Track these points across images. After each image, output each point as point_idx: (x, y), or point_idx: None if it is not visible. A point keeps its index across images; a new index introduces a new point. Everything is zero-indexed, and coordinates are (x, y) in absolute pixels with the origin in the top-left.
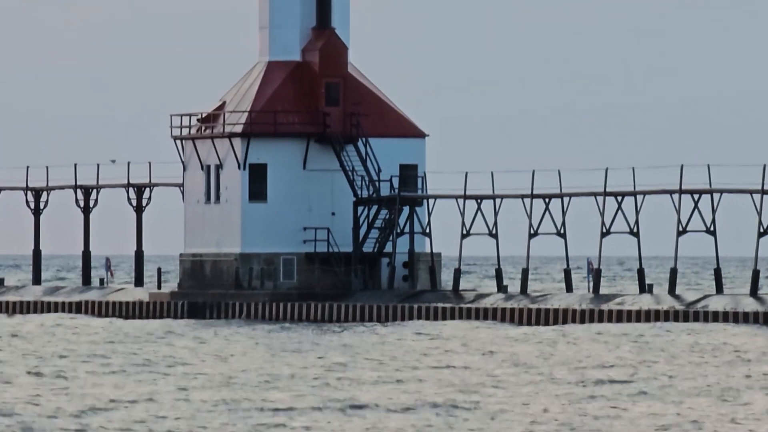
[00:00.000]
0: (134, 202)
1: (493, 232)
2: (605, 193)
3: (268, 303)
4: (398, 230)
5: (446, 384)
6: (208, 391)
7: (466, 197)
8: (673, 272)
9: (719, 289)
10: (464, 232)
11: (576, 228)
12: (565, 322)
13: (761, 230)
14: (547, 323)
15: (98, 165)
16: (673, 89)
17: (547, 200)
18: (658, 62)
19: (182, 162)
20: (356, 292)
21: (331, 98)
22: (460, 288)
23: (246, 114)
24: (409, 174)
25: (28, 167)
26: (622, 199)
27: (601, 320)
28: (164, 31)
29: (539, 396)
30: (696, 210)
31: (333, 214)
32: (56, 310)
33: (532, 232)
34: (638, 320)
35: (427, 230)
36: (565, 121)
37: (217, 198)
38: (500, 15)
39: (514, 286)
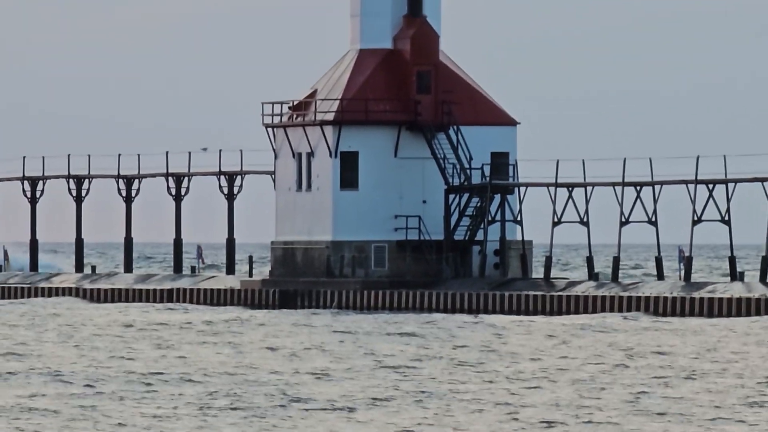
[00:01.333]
0: (226, 190)
1: (585, 219)
2: (696, 181)
3: (359, 291)
4: (489, 218)
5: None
6: None
7: (557, 185)
8: (765, 260)
9: None
10: (555, 220)
11: (667, 216)
12: (656, 310)
13: None
14: (638, 311)
15: (190, 153)
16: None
17: (638, 188)
18: (757, 45)
19: (274, 150)
20: (447, 280)
21: (422, 86)
22: (552, 276)
23: (337, 102)
24: (500, 162)
25: (119, 155)
26: (713, 187)
27: (692, 308)
28: (257, 19)
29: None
30: None
31: (424, 202)
32: (148, 299)
33: (623, 219)
34: (729, 308)
35: (519, 218)
36: (657, 108)
37: (309, 186)
38: (592, 2)
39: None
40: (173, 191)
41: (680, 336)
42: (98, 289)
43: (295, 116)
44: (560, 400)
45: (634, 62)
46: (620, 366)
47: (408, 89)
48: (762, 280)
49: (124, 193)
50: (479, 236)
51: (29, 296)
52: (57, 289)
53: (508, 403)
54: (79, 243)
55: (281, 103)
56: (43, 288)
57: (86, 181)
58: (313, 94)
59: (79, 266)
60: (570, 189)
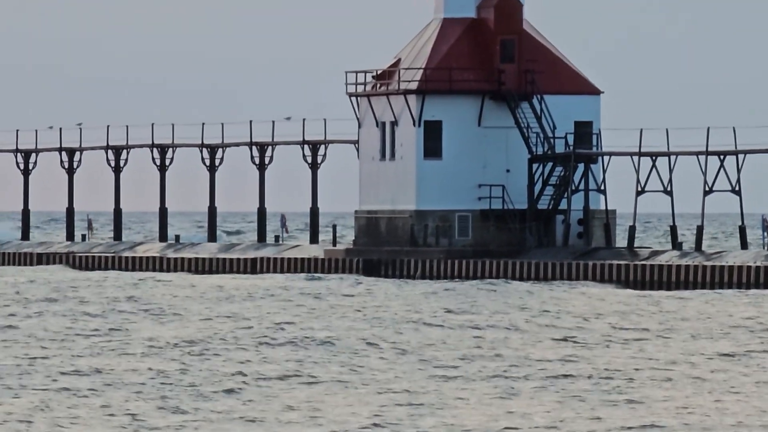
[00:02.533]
0: (309, 159)
1: (668, 189)
2: None
3: (443, 260)
4: (573, 187)
5: None
6: None
7: (640, 154)
8: None
9: None
10: (639, 189)
11: (751, 185)
12: (740, 279)
13: None
14: (722, 281)
15: (273, 122)
16: None
17: (721, 157)
18: None
19: (357, 119)
20: (531, 249)
21: (506, 55)
22: (635, 245)
23: (421, 71)
24: (583, 131)
25: (203, 124)
26: None
27: None
28: None
29: None
30: None
31: (508, 171)
32: (232, 268)
33: (706, 189)
34: None
35: (602, 187)
36: (737, 77)
37: (392, 155)
38: None
39: (688, 244)
40: (257, 160)
41: None
42: (182, 258)
43: (378, 85)
44: None
45: (719, 29)
46: None
47: (492, 58)
48: None
49: (207, 162)
50: (563, 205)
51: (113, 266)
52: (141, 258)
53: None
54: (163, 212)
55: (365, 72)
56: (126, 257)
57: (170, 150)
58: (396, 63)
59: (163, 235)
60: (653, 158)
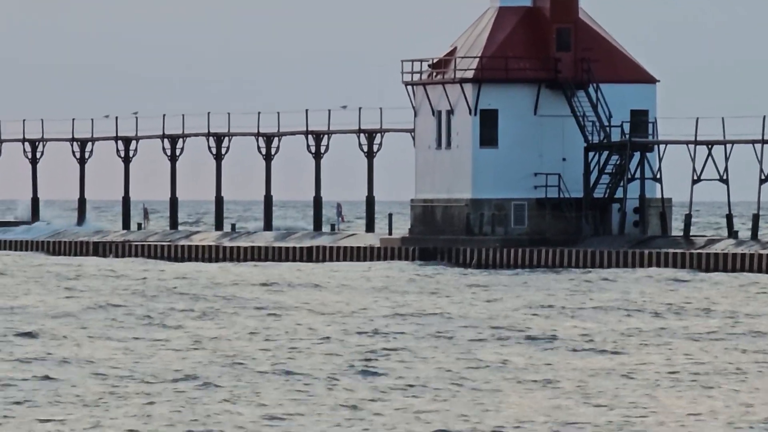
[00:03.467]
0: (365, 148)
1: (724, 177)
2: None
3: (499, 249)
4: (629, 176)
5: None
6: None
7: (696, 143)
8: None
9: None
10: (695, 177)
11: None
12: None
13: None
14: None
15: (329, 111)
16: None
17: None
18: None
19: (413, 107)
20: (587, 237)
21: (562, 43)
22: (691, 233)
23: (477, 60)
24: (639, 120)
25: (259, 114)
26: None
27: None
28: None
29: None
30: None
31: (564, 159)
32: (288, 257)
33: (762, 177)
34: None
35: (658, 176)
36: None
37: (448, 144)
38: None
39: (744, 232)
40: (313, 149)
41: None
42: (238, 247)
43: (434, 74)
44: None
45: None
46: None
47: (548, 47)
48: None
49: (264, 152)
50: (619, 194)
51: (170, 255)
52: (197, 247)
53: None
54: (219, 201)
55: (421, 60)
56: (182, 246)
57: (226, 139)
58: (452, 52)
59: (219, 224)
60: (709, 147)
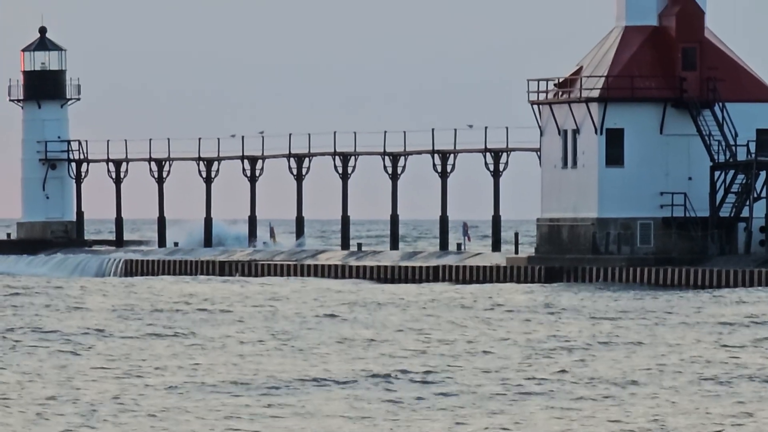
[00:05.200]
0: (491, 167)
1: None
2: None
3: (625, 268)
4: (755, 195)
5: None
6: None
7: None
8: None
9: None
10: None
11: None
12: None
13: None
14: None
15: (455, 130)
16: None
17: None
18: None
19: (539, 126)
20: (713, 257)
21: (687, 63)
22: None
23: (603, 79)
24: (766, 138)
25: (385, 132)
26: None
27: None
28: None
29: None
30: None
31: (690, 178)
32: (414, 277)
33: None
34: None
35: None
36: None
37: (574, 163)
38: None
39: None
40: (438, 168)
41: None
42: (364, 267)
43: (560, 93)
44: None
45: None
46: None
47: (673, 66)
48: None
49: (390, 171)
50: (745, 213)
51: (297, 274)
52: (324, 266)
53: None
54: (345, 220)
55: (547, 80)
56: (309, 265)
57: (352, 158)
58: (578, 71)
59: (345, 243)
60: None
